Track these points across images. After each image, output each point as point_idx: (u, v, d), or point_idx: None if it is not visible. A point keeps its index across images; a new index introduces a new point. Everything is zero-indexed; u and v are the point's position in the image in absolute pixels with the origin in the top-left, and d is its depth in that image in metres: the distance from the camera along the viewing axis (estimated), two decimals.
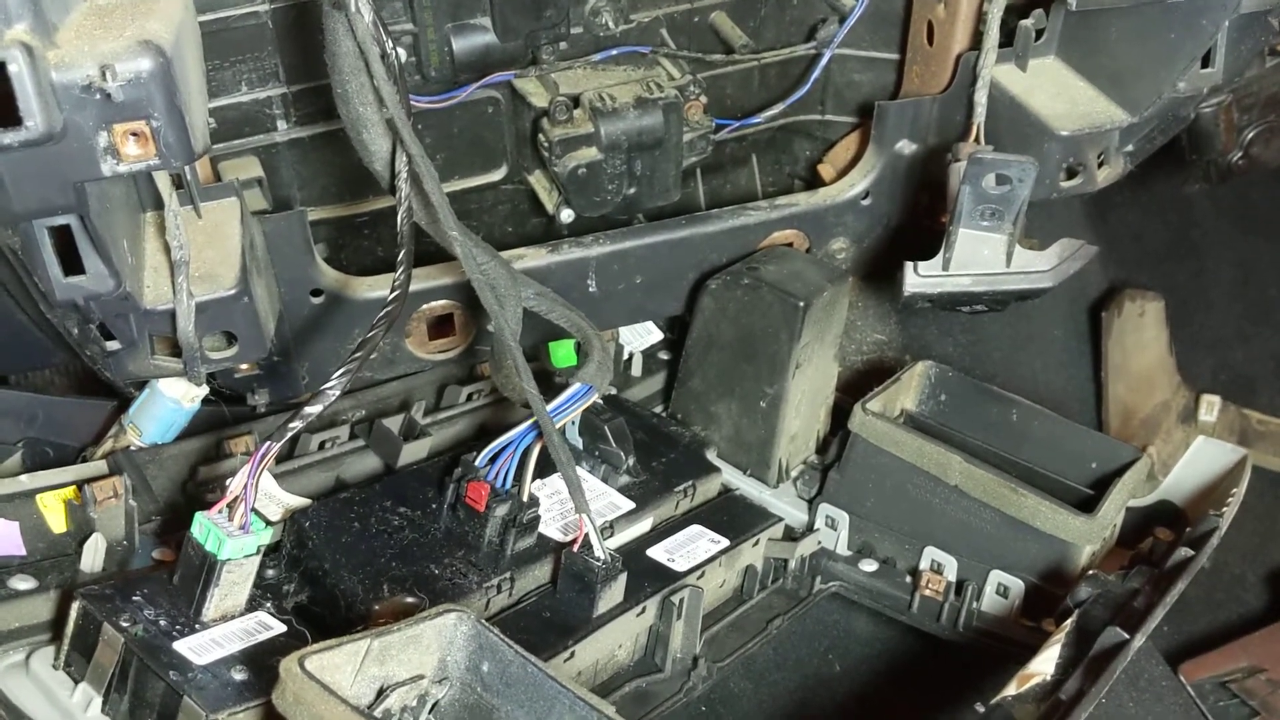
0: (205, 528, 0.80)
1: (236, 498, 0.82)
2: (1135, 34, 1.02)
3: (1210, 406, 1.71)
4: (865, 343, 1.52)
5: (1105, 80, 1.08)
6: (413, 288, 1.09)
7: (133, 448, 1.04)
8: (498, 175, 1.27)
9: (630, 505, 1.07)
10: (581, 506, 0.92)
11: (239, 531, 0.81)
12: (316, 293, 1.14)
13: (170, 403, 1.02)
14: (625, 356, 1.37)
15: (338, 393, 0.85)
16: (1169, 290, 1.79)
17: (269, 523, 0.87)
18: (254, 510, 0.82)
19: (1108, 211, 1.84)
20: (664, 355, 1.39)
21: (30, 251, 0.79)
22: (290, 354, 1.14)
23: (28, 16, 0.69)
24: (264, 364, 1.11)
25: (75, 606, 0.82)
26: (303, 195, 1.21)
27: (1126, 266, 1.82)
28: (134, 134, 0.73)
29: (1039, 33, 1.11)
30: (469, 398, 1.21)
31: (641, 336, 1.38)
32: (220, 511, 0.81)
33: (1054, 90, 1.11)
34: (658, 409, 1.32)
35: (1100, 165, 1.10)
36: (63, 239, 0.81)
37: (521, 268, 1.19)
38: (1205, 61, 1.01)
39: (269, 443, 0.82)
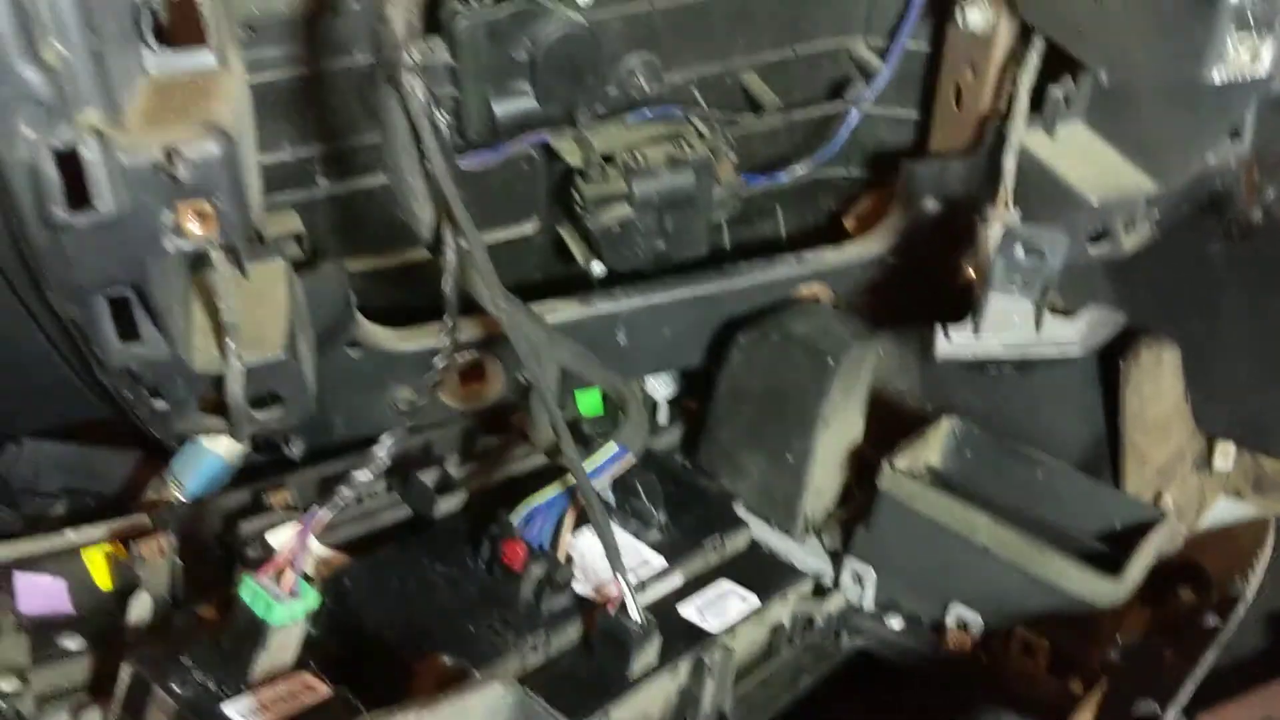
0: (254, 592, 0.82)
1: (285, 562, 0.83)
2: (1165, 107, 1.04)
3: (1225, 454, 1.72)
4: (888, 393, 1.53)
5: (1133, 149, 1.10)
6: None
7: (174, 501, 1.05)
8: (530, 228, 1.29)
9: (661, 561, 1.09)
10: (618, 569, 0.94)
11: (288, 596, 0.82)
12: (353, 345, 1.16)
13: (213, 458, 1.04)
14: (652, 405, 1.39)
15: (388, 461, 0.86)
16: (1185, 339, 1.80)
17: (315, 586, 0.88)
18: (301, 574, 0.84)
19: (1126, 260, 1.85)
20: (691, 404, 1.40)
21: (89, 321, 0.81)
22: (325, 404, 1.16)
23: (99, 101, 0.71)
24: None
25: (125, 669, 0.83)
26: (339, 248, 1.23)
27: (1144, 315, 1.83)
28: (198, 213, 0.75)
29: (1068, 100, 1.13)
30: (501, 448, 1.22)
31: (664, 385, 1.40)
32: (268, 576, 0.83)
33: (1082, 157, 1.12)
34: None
35: (1127, 231, 1.12)
36: (119, 306, 0.83)
37: (554, 320, 1.21)
38: (1234, 135, 1.03)
39: (317, 508, 0.84)
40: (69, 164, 0.71)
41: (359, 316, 1.16)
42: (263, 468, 1.19)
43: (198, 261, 0.93)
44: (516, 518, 1.00)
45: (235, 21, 0.90)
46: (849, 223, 1.41)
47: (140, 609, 0.91)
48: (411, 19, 0.87)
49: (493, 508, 1.05)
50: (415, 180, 0.92)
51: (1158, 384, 1.79)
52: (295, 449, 1.21)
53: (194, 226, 0.75)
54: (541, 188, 1.26)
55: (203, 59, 0.82)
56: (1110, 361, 1.78)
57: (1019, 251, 1.03)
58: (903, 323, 1.35)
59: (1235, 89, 0.95)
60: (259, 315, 0.96)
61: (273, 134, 1.13)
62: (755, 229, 1.44)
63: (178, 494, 1.06)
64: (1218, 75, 0.90)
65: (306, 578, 0.93)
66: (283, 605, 0.82)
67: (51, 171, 0.69)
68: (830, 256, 1.32)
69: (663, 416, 1.38)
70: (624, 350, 1.26)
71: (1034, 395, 1.69)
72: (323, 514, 0.84)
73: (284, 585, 0.83)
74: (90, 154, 0.70)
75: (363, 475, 0.87)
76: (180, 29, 0.81)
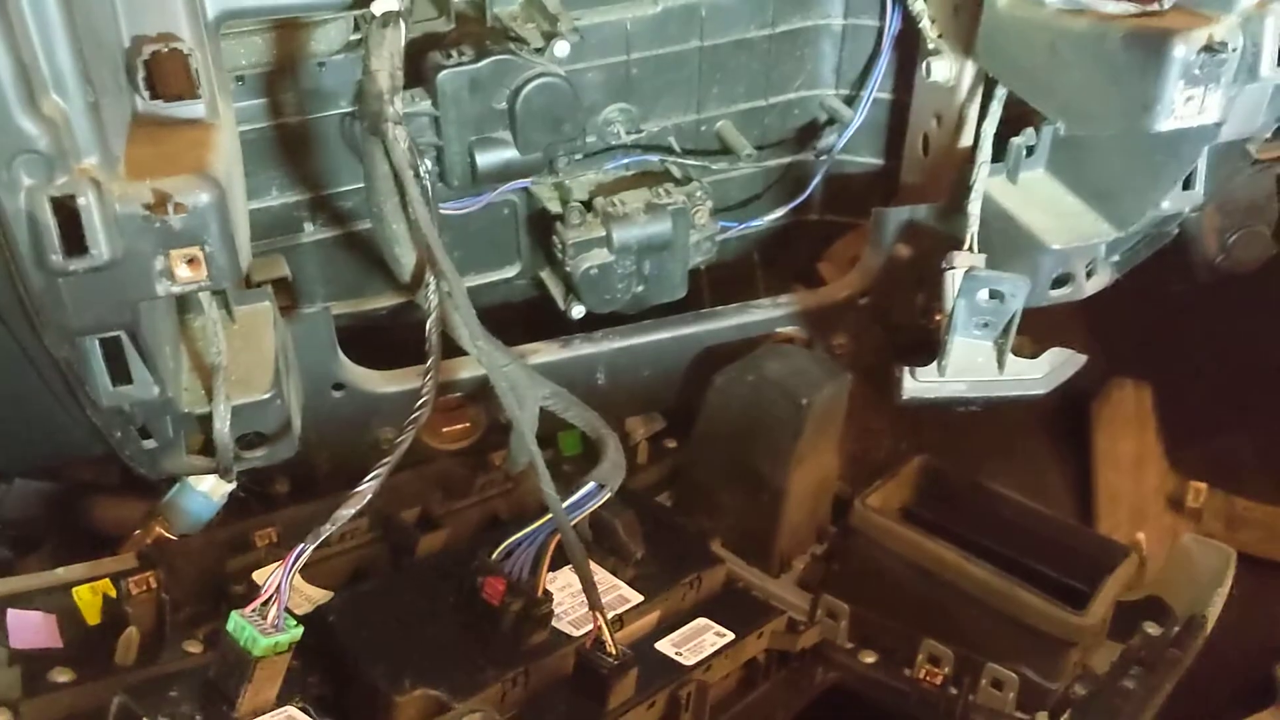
0: (239, 626, 0.84)
1: (270, 597, 0.85)
2: (1120, 156, 1.08)
3: (1197, 493, 1.75)
4: (861, 432, 1.56)
5: (1092, 196, 1.14)
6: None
7: (163, 538, 1.08)
8: (511, 272, 1.33)
9: (639, 598, 1.11)
10: (596, 604, 0.96)
11: (272, 630, 0.84)
12: (338, 386, 1.19)
13: (200, 497, 1.06)
14: (632, 444, 1.41)
15: (368, 497, 0.89)
16: (1156, 378, 1.84)
17: (299, 620, 0.90)
18: (286, 609, 0.86)
19: (1096, 300, 1.89)
20: (670, 443, 1.43)
21: (81, 361, 0.84)
22: (310, 444, 1.19)
23: (96, 151, 0.75)
24: None
25: (115, 702, 0.85)
26: (325, 291, 1.27)
27: (1115, 354, 1.87)
28: (188, 259, 0.78)
29: (1029, 149, 1.17)
30: (482, 487, 1.25)
31: (644, 424, 1.43)
32: (254, 610, 0.85)
33: (1044, 203, 1.16)
34: (664, 495, 1.37)
35: (1089, 275, 1.16)
36: (111, 349, 0.86)
37: (535, 362, 1.25)
38: (1187, 183, 1.07)
39: (303, 546, 0.86)
40: (64, 210, 0.74)
41: (343, 358, 1.19)
42: (248, 503, 1.22)
43: (186, 304, 0.97)
44: (496, 554, 1.02)
45: (224, 73, 0.93)
46: (825, 268, 1.45)
47: (129, 644, 0.93)
48: (395, 72, 0.91)
49: (473, 544, 1.08)
50: (399, 226, 0.96)
51: (1128, 424, 1.83)
52: (281, 486, 1.24)
53: (184, 271, 0.78)
54: (522, 233, 1.29)
55: (193, 110, 0.85)
56: (1082, 401, 1.82)
57: (981, 295, 1.07)
58: (876, 363, 1.38)
59: (1184, 139, 0.99)
60: (247, 357, 0.99)
61: (261, 181, 1.17)
62: (732, 272, 1.48)
63: (165, 532, 1.08)
64: (1166, 126, 0.94)
65: (290, 612, 0.95)
66: (267, 638, 0.84)
67: (49, 219, 0.72)
68: (805, 299, 1.35)
69: (642, 455, 1.41)
70: (603, 391, 1.29)
71: (1006, 433, 1.74)
72: (306, 551, 0.86)
73: (269, 618, 0.85)
74: (87, 202, 0.73)
75: (345, 512, 0.90)
76: (171, 81, 0.85)
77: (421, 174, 0.93)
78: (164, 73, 0.84)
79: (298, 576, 1.02)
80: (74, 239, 0.74)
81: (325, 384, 1.18)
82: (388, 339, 1.30)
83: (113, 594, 0.95)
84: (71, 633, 0.96)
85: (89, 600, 0.96)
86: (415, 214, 0.91)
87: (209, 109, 0.86)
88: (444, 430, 1.31)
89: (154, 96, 0.85)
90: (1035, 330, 1.25)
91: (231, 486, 1.11)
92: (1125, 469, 1.78)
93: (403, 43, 0.91)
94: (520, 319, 1.33)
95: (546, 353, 1.26)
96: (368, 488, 0.92)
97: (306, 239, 1.23)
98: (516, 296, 1.33)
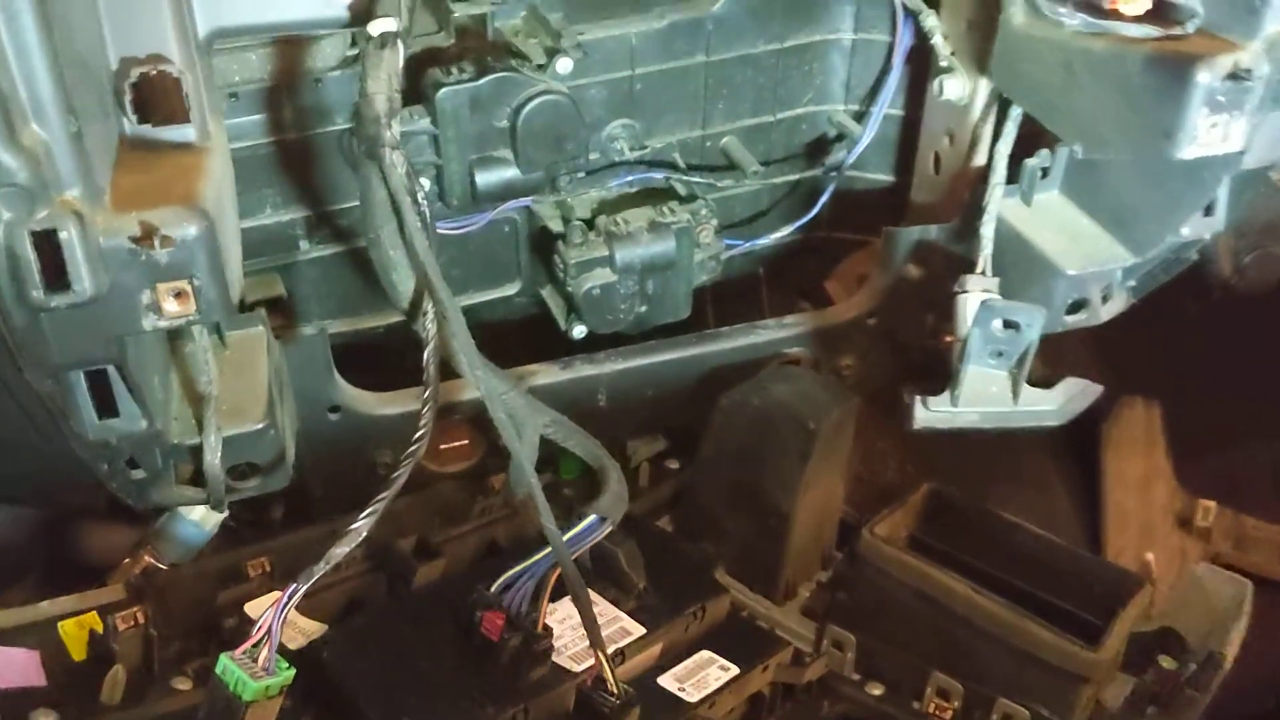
0: (228, 669, 0.81)
1: (262, 638, 0.83)
2: (1139, 180, 1.05)
3: (1206, 512, 1.72)
4: (868, 454, 1.54)
5: (1109, 220, 1.11)
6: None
7: (153, 568, 1.05)
8: (511, 290, 1.30)
9: (641, 630, 1.08)
10: (597, 642, 0.93)
11: (262, 673, 0.82)
12: (334, 409, 1.16)
13: (191, 525, 1.04)
14: (633, 465, 1.39)
15: (363, 534, 0.86)
16: (1166, 397, 1.82)
17: (291, 660, 0.88)
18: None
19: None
20: (673, 464, 1.40)
21: (66, 398, 0.81)
22: (305, 467, 1.16)
23: (78, 183, 0.72)
24: None
25: None
26: (322, 309, 1.24)
27: (1124, 373, 1.84)
28: (176, 292, 0.75)
29: (1044, 171, 1.14)
30: (480, 512, 1.22)
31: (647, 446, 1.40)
32: (244, 652, 0.82)
33: (1059, 227, 1.13)
34: (665, 519, 1.34)
35: (1104, 300, 1.13)
36: (96, 382, 0.83)
37: (535, 384, 1.22)
38: (1208, 210, 1.04)
39: (295, 586, 0.83)
40: (46, 244, 0.71)
41: (340, 380, 1.16)
42: (241, 530, 1.19)
43: (176, 332, 0.94)
44: (495, 586, 0.99)
45: (217, 92, 0.90)
46: (833, 288, 1.42)
47: (115, 683, 0.90)
48: (393, 95, 0.88)
49: (471, 574, 1.05)
50: (395, 252, 0.93)
51: (1137, 443, 1.80)
52: (275, 512, 1.22)
53: (173, 305, 0.75)
54: (523, 251, 1.26)
55: (184, 134, 0.82)
56: (1091, 420, 1.80)
57: (996, 324, 1.04)
58: (884, 386, 1.35)
59: (1206, 166, 0.96)
60: (238, 385, 0.96)
61: (256, 199, 1.14)
62: (737, 290, 1.45)
63: (155, 562, 1.05)
64: (1189, 154, 0.92)
65: (284, 650, 0.92)
66: (257, 682, 0.81)
67: (29, 254, 0.69)
68: (812, 320, 1.33)
69: (643, 477, 1.38)
70: (605, 413, 1.26)
71: (1013, 453, 1.71)
72: (299, 592, 0.84)
73: (260, 661, 0.82)
74: (69, 236, 0.70)
75: (339, 551, 0.87)
76: (162, 103, 0.82)
77: (420, 199, 0.90)
78: (153, 96, 0.82)
79: (295, 612, 0.99)
80: (56, 273, 0.71)
81: (321, 407, 1.15)
82: (386, 358, 1.28)
83: (100, 629, 0.92)
84: (56, 670, 0.93)
85: (75, 635, 0.94)
86: (412, 241, 0.88)
87: (200, 132, 0.83)
88: (443, 449, 1.28)
89: (143, 120, 0.82)
90: (1043, 349, 1.22)
91: (223, 516, 1.08)
92: (1134, 488, 1.75)
93: (400, 63, 0.88)
94: (521, 338, 1.31)
95: (547, 374, 1.23)
96: (362, 524, 0.89)
97: (303, 257, 1.20)
98: (517, 315, 1.30)
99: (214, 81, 0.89)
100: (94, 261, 0.72)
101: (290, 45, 1.07)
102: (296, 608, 1.00)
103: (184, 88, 0.82)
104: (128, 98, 0.81)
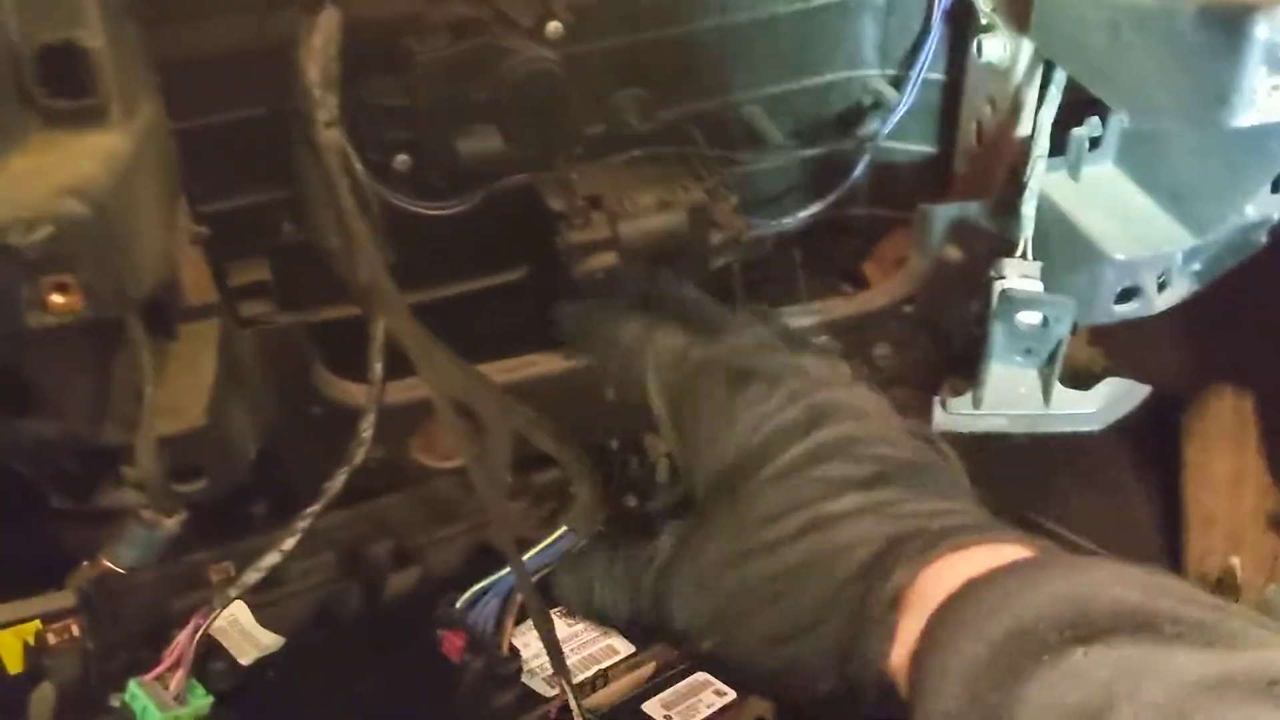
0: (136, 695, 0.75)
1: (175, 663, 0.76)
2: (1198, 153, 0.92)
3: None
4: None
5: (1166, 196, 0.98)
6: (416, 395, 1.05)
7: (108, 572, 0.99)
8: (516, 275, 1.21)
9: (629, 649, 0.99)
10: (560, 670, 0.85)
11: (173, 703, 0.75)
12: (316, 401, 1.09)
13: (145, 528, 0.97)
14: (651, 460, 1.29)
15: (291, 545, 0.79)
16: (1258, 384, 1.66)
17: (236, 683, 0.81)
18: (193, 678, 0.76)
19: (1190, 297, 1.71)
20: None
21: None
22: (287, 462, 1.09)
23: None
24: (261, 475, 1.06)
25: None
26: (312, 295, 1.17)
27: (1210, 358, 1.69)
28: (59, 286, 0.68)
29: (1094, 141, 1.01)
30: (472, 511, 1.14)
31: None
32: (157, 678, 0.76)
33: (1109, 204, 1.01)
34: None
35: (1161, 288, 1.00)
36: (5, 381, 0.76)
37: (533, 375, 1.13)
38: (1276, 186, 0.91)
39: (208, 606, 0.77)
40: None
41: (322, 371, 1.09)
42: (220, 528, 1.13)
43: (110, 324, 0.88)
44: (460, 602, 0.92)
45: (143, 64, 0.82)
46: (869, 268, 1.31)
47: (42, 703, 0.85)
48: (328, 62, 0.79)
49: (450, 585, 0.98)
50: (338, 241, 0.85)
51: (1225, 436, 1.65)
52: (258, 508, 1.15)
53: (57, 299, 0.68)
54: (523, 233, 1.17)
55: (94, 112, 0.75)
56: (1171, 411, 1.65)
57: (1022, 317, 0.92)
58: (921, 378, 1.24)
59: (1272, 135, 0.83)
60: (182, 381, 0.89)
61: (233, 178, 1.07)
62: (771, 274, 1.35)
63: (112, 565, 0.99)
64: (1245, 120, 0.79)
65: (231, 669, 0.86)
66: (164, 713, 0.74)
67: None
68: (844, 306, 1.21)
69: (663, 473, 1.29)
70: (612, 407, 1.17)
71: (1080, 444, 1.57)
72: (215, 614, 0.77)
73: (171, 688, 0.75)
74: None
75: (271, 559, 0.80)
76: (69, 79, 0.74)
77: (361, 179, 0.81)
78: (62, 68, 0.74)
79: (249, 618, 0.93)
80: None
81: (302, 400, 1.08)
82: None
83: (33, 642, 0.87)
84: None
85: (11, 645, 0.88)
86: (348, 226, 0.80)
87: (111, 109, 0.75)
88: (441, 442, 1.20)
89: (49, 96, 0.75)
90: (1117, 331, 1.10)
91: (183, 515, 1.01)
92: (1220, 487, 1.61)
93: (335, 27, 0.80)
94: (522, 327, 1.22)
95: (546, 364, 1.14)
96: (301, 526, 0.82)
97: (289, 240, 1.12)
98: (518, 302, 1.21)
99: (139, 53, 0.82)
100: None
101: (258, 12, 0.99)
102: (257, 618, 0.94)
103: (92, 59, 0.74)
104: (30, 71, 0.74)
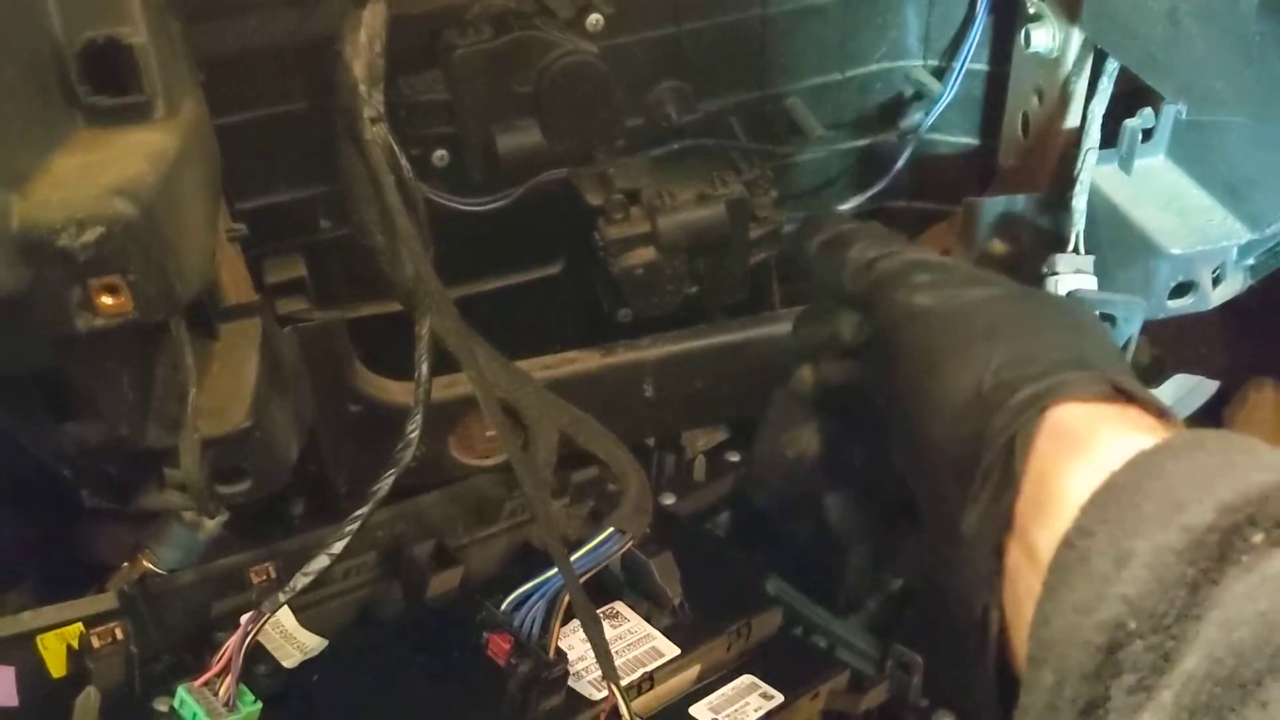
0: (186, 702, 0.74)
1: (224, 669, 0.75)
2: (1255, 144, 0.90)
3: None
4: None
5: (1221, 190, 0.96)
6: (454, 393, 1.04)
7: (150, 574, 0.98)
8: (555, 269, 1.20)
9: (675, 651, 0.98)
10: (610, 673, 0.84)
11: (223, 709, 0.74)
12: (356, 400, 1.08)
13: (187, 530, 0.97)
14: (689, 458, 1.28)
15: (339, 549, 0.78)
16: None
17: (281, 686, 0.80)
18: (242, 683, 0.75)
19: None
20: (733, 457, 1.29)
21: (9, 403, 0.74)
22: (327, 462, 1.09)
23: None
24: (300, 473, 1.05)
25: None
26: (348, 291, 1.15)
27: (1255, 350, 1.66)
28: (109, 287, 0.67)
29: (1146, 133, 0.99)
30: (513, 510, 1.13)
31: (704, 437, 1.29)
32: (205, 684, 0.75)
33: (1163, 198, 0.99)
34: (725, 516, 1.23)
35: (1215, 283, 0.98)
36: (44, 385, 0.75)
37: (571, 372, 1.12)
38: None
39: (260, 613, 0.75)
40: None
41: (361, 369, 1.07)
42: (260, 528, 1.12)
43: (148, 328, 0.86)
44: (506, 604, 0.90)
45: (187, 60, 0.81)
46: None
47: (88, 707, 0.84)
48: (374, 58, 0.78)
49: (494, 585, 0.96)
50: (383, 239, 0.84)
51: (1269, 430, 1.62)
52: (296, 509, 1.14)
53: (107, 300, 0.67)
54: (562, 227, 1.16)
55: (139, 108, 0.74)
56: (1213, 403, 1.62)
57: None
58: None
59: None
60: (224, 381, 0.88)
61: (270, 174, 1.06)
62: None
63: (153, 567, 0.98)
64: None
65: (275, 671, 0.85)
66: (215, 718, 0.74)
67: None
68: None
69: (700, 471, 1.28)
70: (651, 404, 1.16)
71: None
72: (265, 619, 0.76)
73: (221, 694, 0.74)
74: None
75: (320, 563, 0.79)
76: (113, 75, 0.73)
77: (407, 178, 0.80)
78: (106, 66, 0.73)
79: (291, 620, 0.92)
80: None
81: (341, 399, 1.07)
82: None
83: (76, 645, 0.86)
84: (33, 689, 0.86)
85: (55, 649, 0.87)
86: (393, 224, 0.79)
87: (157, 106, 0.74)
88: (488, 438, 1.19)
89: (93, 93, 0.73)
90: (1157, 324, 1.08)
91: (224, 517, 1.01)
92: None
93: (382, 23, 0.78)
94: (564, 322, 1.21)
95: (585, 362, 1.12)
96: (346, 533, 0.81)
97: (324, 236, 1.11)
98: (559, 297, 1.20)
99: (182, 48, 0.80)
100: (9, 254, 0.64)
101: (297, 7, 0.98)
102: (299, 619, 0.93)
103: (136, 55, 0.73)
104: (74, 68, 0.72)
